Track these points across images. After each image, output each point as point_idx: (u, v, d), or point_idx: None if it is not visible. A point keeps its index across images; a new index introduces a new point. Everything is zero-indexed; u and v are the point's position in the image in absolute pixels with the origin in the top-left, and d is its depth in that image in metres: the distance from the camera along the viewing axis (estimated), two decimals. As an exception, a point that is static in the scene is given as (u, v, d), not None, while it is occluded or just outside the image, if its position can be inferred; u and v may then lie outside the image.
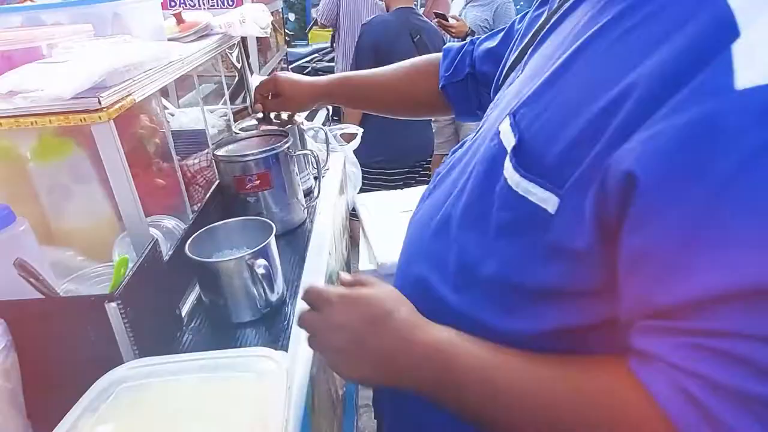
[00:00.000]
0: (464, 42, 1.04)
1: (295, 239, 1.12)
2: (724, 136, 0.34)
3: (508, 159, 0.49)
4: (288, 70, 5.51)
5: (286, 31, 6.36)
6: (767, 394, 0.34)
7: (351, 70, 2.44)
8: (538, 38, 0.59)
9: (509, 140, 0.49)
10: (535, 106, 0.49)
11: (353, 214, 1.56)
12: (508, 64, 0.68)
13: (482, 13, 2.93)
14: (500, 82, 0.71)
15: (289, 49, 6.03)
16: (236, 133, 1.20)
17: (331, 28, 4.71)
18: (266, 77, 1.19)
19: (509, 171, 0.49)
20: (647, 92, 0.37)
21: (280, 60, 5.01)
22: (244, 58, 1.38)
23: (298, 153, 1.13)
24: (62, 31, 0.82)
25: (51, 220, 0.97)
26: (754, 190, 0.33)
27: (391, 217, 1.52)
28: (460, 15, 2.91)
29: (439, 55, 1.05)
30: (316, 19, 5.82)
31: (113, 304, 0.66)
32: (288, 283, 0.96)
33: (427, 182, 0.75)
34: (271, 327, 0.85)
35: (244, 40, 1.37)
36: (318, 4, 6.85)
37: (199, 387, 0.61)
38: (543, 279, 0.47)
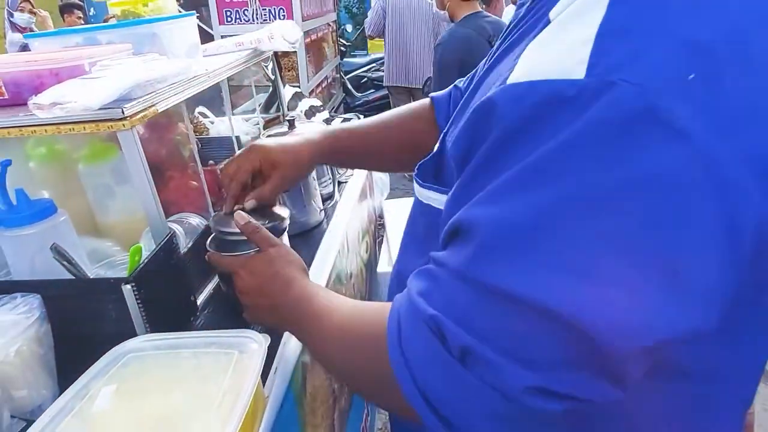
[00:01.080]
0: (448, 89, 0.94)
1: (310, 239, 1.20)
2: (492, 111, 0.41)
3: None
4: (343, 80, 5.69)
5: (344, 41, 6.56)
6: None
7: (433, 91, 2.32)
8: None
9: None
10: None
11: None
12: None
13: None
14: None
15: (346, 59, 6.22)
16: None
17: (381, 39, 4.84)
18: (239, 152, 0.92)
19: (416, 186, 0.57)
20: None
21: (333, 69, 5.19)
22: (277, 71, 1.49)
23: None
24: (103, 51, 0.95)
25: (95, 214, 1.11)
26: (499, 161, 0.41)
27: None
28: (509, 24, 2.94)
29: (425, 101, 0.97)
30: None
31: (128, 286, 0.77)
32: (296, 278, 1.04)
33: None
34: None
35: (278, 54, 1.48)
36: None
37: (191, 359, 0.70)
38: None
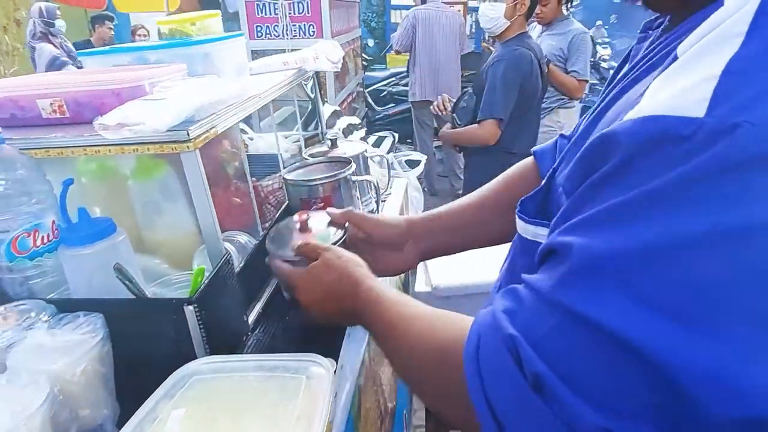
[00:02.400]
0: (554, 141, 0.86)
1: (354, 258, 1.20)
2: (610, 144, 0.40)
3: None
4: (365, 94, 5.73)
5: (365, 55, 6.62)
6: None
7: (496, 109, 2.19)
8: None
9: None
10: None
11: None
12: None
13: (557, 42, 2.94)
14: None
15: (367, 73, 6.27)
16: (305, 159, 1.31)
17: (406, 54, 4.88)
18: (339, 212, 0.92)
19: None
20: None
21: (357, 84, 5.23)
22: (317, 90, 1.50)
23: (359, 179, 1.22)
24: (161, 72, 0.96)
25: (142, 231, 1.12)
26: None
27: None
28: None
29: (527, 161, 0.89)
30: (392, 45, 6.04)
31: (190, 307, 0.77)
32: (344, 298, 1.04)
33: None
34: (323, 339, 0.94)
35: (318, 73, 1.49)
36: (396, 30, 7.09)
37: (257, 383, 0.70)
38: None
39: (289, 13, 2.73)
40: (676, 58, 0.40)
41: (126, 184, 1.10)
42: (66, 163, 1.01)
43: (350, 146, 1.36)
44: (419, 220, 0.91)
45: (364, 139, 1.60)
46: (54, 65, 4.93)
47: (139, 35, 6.51)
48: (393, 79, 6.23)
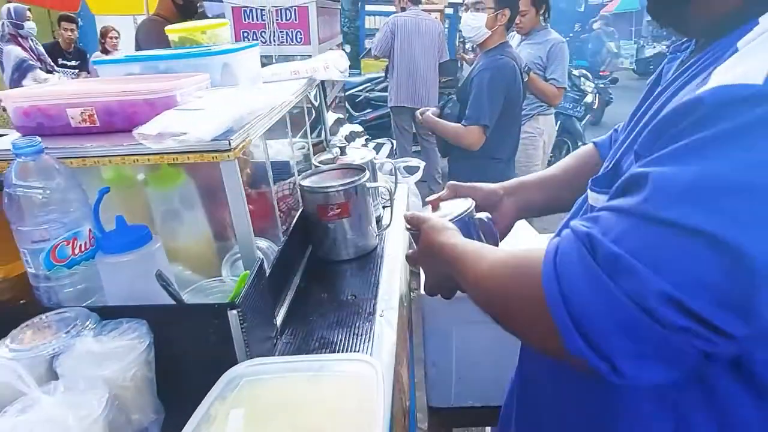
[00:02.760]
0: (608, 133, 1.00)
1: (368, 263, 1.24)
2: (694, 106, 0.49)
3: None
4: (344, 100, 5.76)
5: (341, 61, 6.64)
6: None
7: (483, 116, 2.30)
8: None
9: None
10: None
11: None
12: None
13: (536, 51, 3.04)
14: None
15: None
16: (317, 166, 1.34)
17: (384, 59, 4.93)
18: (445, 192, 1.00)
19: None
20: None
21: (339, 89, 5.25)
22: (323, 98, 1.53)
23: (373, 185, 1.26)
24: (189, 82, 0.98)
25: (162, 238, 1.13)
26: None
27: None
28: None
29: (587, 148, 1.03)
30: (369, 49, 6.08)
31: (234, 312, 0.80)
32: (365, 302, 1.08)
33: None
34: (353, 337, 0.97)
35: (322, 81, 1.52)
36: (371, 35, 7.14)
37: (307, 383, 0.73)
38: None
39: (277, 20, 2.74)
40: (737, 50, 0.51)
41: (144, 192, 1.11)
42: (89, 172, 1.02)
43: (358, 153, 1.40)
44: (511, 182, 1.04)
45: (364, 145, 1.63)
46: (21, 68, 4.81)
47: (111, 37, 6.39)
48: (369, 84, 6.27)
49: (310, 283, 1.18)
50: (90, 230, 0.87)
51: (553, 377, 0.75)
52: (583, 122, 5.95)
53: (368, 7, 7.23)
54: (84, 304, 0.85)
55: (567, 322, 0.50)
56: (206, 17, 3.76)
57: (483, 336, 1.42)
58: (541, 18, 3.11)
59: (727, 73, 0.49)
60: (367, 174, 1.22)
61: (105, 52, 6.30)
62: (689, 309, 0.45)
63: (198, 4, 3.02)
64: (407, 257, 0.94)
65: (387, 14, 6.82)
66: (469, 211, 0.88)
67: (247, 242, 0.91)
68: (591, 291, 0.49)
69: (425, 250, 0.83)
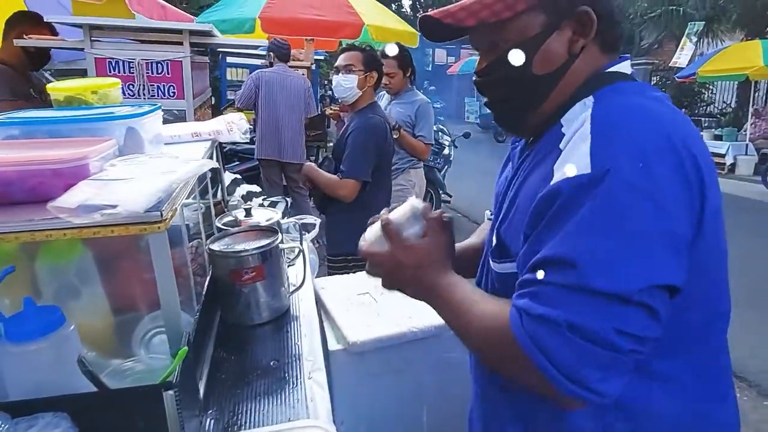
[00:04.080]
0: None
1: (283, 325, 1.23)
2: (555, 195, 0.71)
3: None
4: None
5: (203, 113, 6.47)
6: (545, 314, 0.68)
7: (360, 171, 2.44)
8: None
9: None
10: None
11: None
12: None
13: (405, 110, 3.28)
14: None
15: (207, 131, 6.11)
16: (221, 229, 1.31)
17: (249, 112, 4.92)
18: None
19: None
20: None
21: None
22: (221, 158, 1.51)
23: (286, 246, 1.26)
24: (99, 149, 0.92)
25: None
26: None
27: (351, 300, 1.66)
28: (385, 110, 3.22)
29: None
30: (233, 102, 6.01)
31: (170, 392, 0.75)
32: (289, 366, 1.07)
33: None
34: (284, 406, 0.95)
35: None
36: (233, 87, 7.06)
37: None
38: None
39: (147, 73, 2.64)
40: (560, 151, 0.75)
41: (35, 267, 1.01)
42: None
43: (264, 214, 1.39)
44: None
45: (261, 205, 1.63)
46: None
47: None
48: (234, 136, 6.16)
49: (226, 351, 1.14)
50: (-13, 316, 0.77)
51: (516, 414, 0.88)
52: (443, 172, 6.41)
53: (229, 59, 7.17)
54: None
55: (555, 374, 0.67)
56: (54, 66, 3.47)
57: (390, 388, 1.46)
58: (408, 80, 3.37)
59: (565, 169, 0.71)
60: (280, 236, 1.22)
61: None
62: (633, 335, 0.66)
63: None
64: (366, 253, 0.94)
65: (249, 66, 6.83)
66: (421, 207, 0.93)
67: (173, 317, 0.86)
68: (562, 346, 0.67)
69: (399, 269, 0.90)
